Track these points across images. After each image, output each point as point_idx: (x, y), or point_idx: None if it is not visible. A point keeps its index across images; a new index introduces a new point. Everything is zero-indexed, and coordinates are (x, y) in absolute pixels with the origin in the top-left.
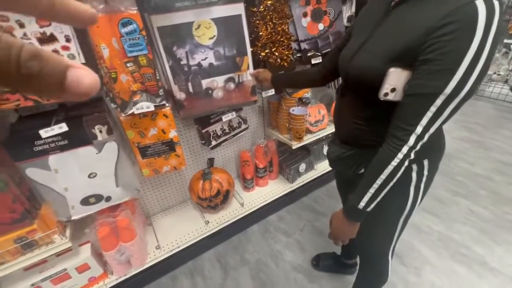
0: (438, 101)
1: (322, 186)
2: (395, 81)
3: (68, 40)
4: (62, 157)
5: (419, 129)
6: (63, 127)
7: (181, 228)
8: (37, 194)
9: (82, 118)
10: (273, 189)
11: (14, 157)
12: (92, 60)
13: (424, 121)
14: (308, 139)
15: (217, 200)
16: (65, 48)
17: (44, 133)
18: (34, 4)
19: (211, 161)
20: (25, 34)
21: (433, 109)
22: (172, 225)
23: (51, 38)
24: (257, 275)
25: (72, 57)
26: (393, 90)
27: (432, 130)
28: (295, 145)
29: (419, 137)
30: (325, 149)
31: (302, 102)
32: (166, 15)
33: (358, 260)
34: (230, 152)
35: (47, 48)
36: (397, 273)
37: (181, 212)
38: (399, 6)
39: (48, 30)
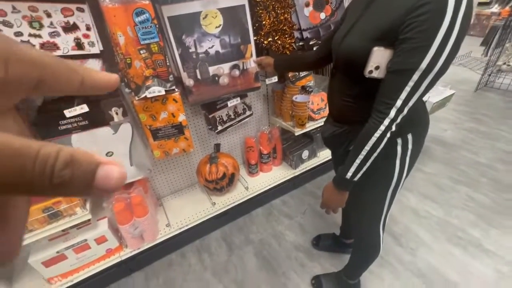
0: (415, 77)
1: (324, 174)
2: (379, 59)
3: (88, 28)
4: (83, 136)
5: (399, 103)
6: (84, 108)
7: (190, 209)
8: None
9: (100, 101)
10: (276, 174)
11: (42, 135)
12: (108, 47)
13: (403, 95)
14: (310, 126)
15: (223, 183)
16: (86, 36)
17: (68, 113)
18: (69, 87)
19: (217, 146)
20: (51, 23)
21: (410, 83)
22: (181, 206)
23: (74, 27)
24: (261, 253)
25: (91, 44)
26: (377, 68)
27: (410, 103)
28: (298, 131)
29: (399, 110)
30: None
31: (305, 90)
32: (176, 5)
33: None
34: (235, 139)
35: (70, 36)
36: (393, 252)
37: (189, 194)
38: None
39: (72, 20)
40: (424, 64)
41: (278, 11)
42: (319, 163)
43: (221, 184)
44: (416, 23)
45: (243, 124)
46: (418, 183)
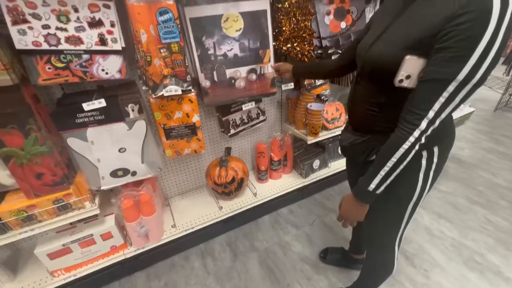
0: (451, 87)
1: (335, 185)
2: (410, 69)
3: (112, 25)
4: (98, 130)
5: (431, 114)
6: (102, 103)
7: (196, 211)
8: (74, 163)
9: (118, 97)
10: (286, 182)
11: (59, 126)
12: (130, 44)
13: (436, 106)
14: (323, 135)
15: (232, 187)
16: (110, 32)
17: (86, 106)
18: None
19: (228, 150)
20: (78, 18)
21: (445, 94)
22: (188, 207)
23: (99, 23)
24: (265, 262)
25: (114, 40)
26: (408, 77)
27: (443, 115)
28: (310, 140)
29: (431, 122)
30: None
31: (320, 99)
32: (199, 7)
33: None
34: (246, 143)
35: (95, 32)
36: (405, 272)
37: (197, 196)
38: (416, 0)
39: (97, 16)
40: (462, 75)
41: (299, 18)
42: (330, 173)
43: (229, 188)
44: (456, 31)
45: (255, 129)
46: (432, 201)
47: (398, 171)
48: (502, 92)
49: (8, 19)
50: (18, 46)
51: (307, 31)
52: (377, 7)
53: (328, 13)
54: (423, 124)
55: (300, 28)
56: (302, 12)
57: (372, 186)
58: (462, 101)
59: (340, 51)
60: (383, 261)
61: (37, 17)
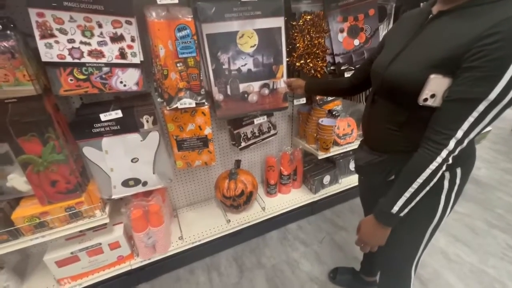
0: (481, 107)
1: (345, 202)
2: (435, 87)
3: (133, 40)
4: (113, 140)
5: (459, 134)
6: (118, 114)
7: (204, 223)
8: (88, 171)
9: (134, 108)
10: (295, 197)
11: (76, 135)
12: (148, 57)
13: (465, 126)
14: (334, 151)
15: (240, 200)
16: (130, 47)
17: (103, 116)
18: None
19: (238, 163)
20: (101, 33)
21: (475, 114)
22: (196, 219)
23: (120, 38)
24: (272, 280)
25: (134, 54)
26: (432, 96)
27: (472, 135)
28: (321, 155)
29: (459, 142)
30: (352, 164)
31: (332, 114)
32: (215, 24)
33: (378, 278)
34: (256, 157)
35: (116, 46)
36: None
37: (205, 208)
38: (435, 19)
39: (119, 31)
40: (493, 95)
41: (313, 35)
42: (340, 190)
43: (238, 201)
44: (486, 51)
45: (265, 143)
46: (449, 222)
47: (423, 192)
48: None
49: (36, 33)
50: (44, 58)
51: (320, 47)
52: (391, 25)
53: (342, 31)
54: (451, 144)
55: (314, 45)
56: (316, 30)
57: (396, 208)
58: (492, 121)
59: (353, 68)
60: (398, 286)
61: (63, 32)
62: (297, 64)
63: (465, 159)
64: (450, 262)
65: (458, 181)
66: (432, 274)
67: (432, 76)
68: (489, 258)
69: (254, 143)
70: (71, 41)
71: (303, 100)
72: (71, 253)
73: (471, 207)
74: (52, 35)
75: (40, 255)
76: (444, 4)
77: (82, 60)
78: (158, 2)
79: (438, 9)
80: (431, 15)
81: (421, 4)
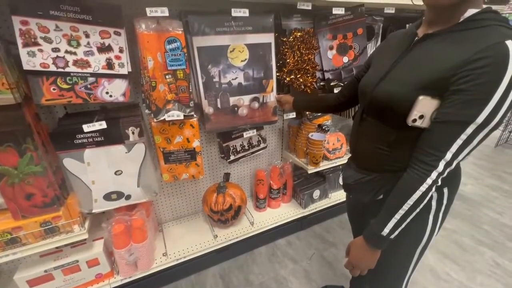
0: (469, 130)
1: (335, 216)
2: (424, 108)
3: (121, 51)
4: (96, 152)
5: (448, 156)
6: (102, 125)
7: (190, 239)
8: (68, 183)
9: (120, 119)
10: (284, 212)
11: (57, 146)
12: (137, 68)
13: (454, 148)
14: (324, 165)
15: (229, 215)
16: (117, 57)
17: (86, 127)
18: None
19: (227, 176)
20: (88, 43)
21: (463, 136)
22: (182, 234)
23: (108, 48)
24: None
25: (121, 65)
26: (421, 117)
27: (460, 157)
28: (311, 169)
29: (448, 164)
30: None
31: (322, 129)
32: (206, 37)
33: None
34: (246, 170)
35: (103, 56)
36: None
37: (191, 223)
38: (422, 41)
39: (107, 42)
40: (481, 118)
41: (303, 51)
42: (330, 204)
43: (226, 216)
44: (474, 75)
45: (255, 156)
46: (437, 239)
47: (414, 214)
48: (502, 129)
49: (19, 41)
50: (26, 67)
51: (310, 64)
52: (378, 44)
53: (331, 48)
54: (441, 165)
55: (304, 61)
56: (306, 46)
57: (386, 230)
58: (479, 143)
59: (342, 84)
60: None
61: (48, 40)
62: (287, 79)
63: (451, 179)
64: (439, 280)
65: (445, 201)
66: None
67: (421, 97)
68: (476, 276)
69: (244, 156)
70: (55, 50)
71: (293, 114)
72: (45, 271)
73: (458, 223)
74: (36, 44)
75: (11, 273)
76: (429, 27)
77: (67, 70)
78: (148, 14)
79: (424, 31)
80: (417, 38)
81: (407, 25)
